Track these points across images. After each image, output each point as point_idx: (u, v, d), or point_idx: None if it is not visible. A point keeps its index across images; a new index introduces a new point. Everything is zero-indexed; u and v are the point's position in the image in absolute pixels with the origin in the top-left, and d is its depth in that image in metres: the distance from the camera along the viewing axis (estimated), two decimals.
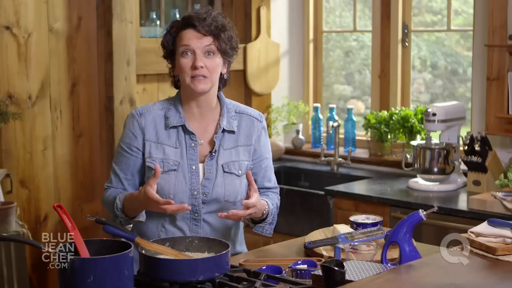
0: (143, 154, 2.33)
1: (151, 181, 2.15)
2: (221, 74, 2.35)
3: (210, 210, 2.33)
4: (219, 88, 2.39)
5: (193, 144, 2.33)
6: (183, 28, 2.30)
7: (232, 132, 2.37)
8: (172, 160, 2.31)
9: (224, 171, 2.33)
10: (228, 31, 2.31)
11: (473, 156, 3.47)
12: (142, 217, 2.31)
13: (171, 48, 2.32)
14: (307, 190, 3.92)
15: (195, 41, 2.27)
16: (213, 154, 2.34)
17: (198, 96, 2.33)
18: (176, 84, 2.40)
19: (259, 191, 2.41)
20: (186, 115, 2.35)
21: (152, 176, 2.17)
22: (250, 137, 2.39)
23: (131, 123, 2.35)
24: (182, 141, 2.33)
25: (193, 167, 2.32)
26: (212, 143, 2.35)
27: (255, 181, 2.40)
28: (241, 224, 2.47)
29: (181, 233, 2.33)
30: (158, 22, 4.05)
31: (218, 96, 2.40)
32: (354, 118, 4.36)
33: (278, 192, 2.49)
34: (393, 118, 4.05)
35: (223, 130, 2.35)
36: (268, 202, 2.34)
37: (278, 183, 2.53)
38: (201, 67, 2.26)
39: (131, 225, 2.44)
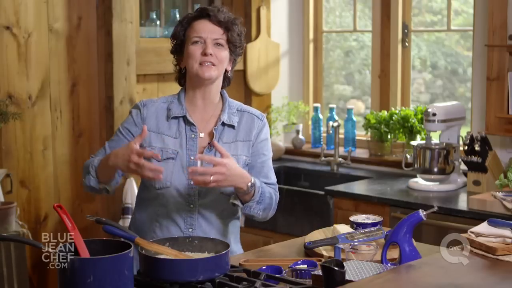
0: (142, 144, 2.32)
1: (136, 139, 2.18)
2: (226, 71, 2.39)
3: (205, 203, 2.34)
4: (222, 85, 2.42)
5: (193, 135, 2.36)
6: (196, 19, 2.35)
7: (232, 126, 2.39)
8: (171, 149, 2.33)
9: None
10: (239, 26, 2.38)
11: (473, 156, 3.47)
12: (110, 186, 2.31)
13: (182, 38, 2.36)
14: (307, 190, 3.91)
15: (207, 31, 2.32)
16: (211, 146, 2.35)
17: (204, 86, 2.36)
18: (180, 81, 2.44)
19: None
20: (189, 107, 2.38)
21: (138, 136, 2.19)
22: (249, 133, 2.41)
23: (134, 112, 2.40)
24: (182, 131, 2.36)
25: (192, 158, 2.34)
26: (211, 135, 2.37)
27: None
28: (238, 223, 2.48)
29: (176, 225, 2.34)
30: (158, 22, 4.06)
31: (221, 94, 2.43)
32: (354, 118, 4.35)
33: (277, 190, 2.46)
34: (393, 118, 4.05)
35: (223, 124, 2.38)
36: (256, 180, 2.30)
37: (278, 183, 2.52)
38: (211, 54, 2.31)
39: (129, 224, 2.46)
